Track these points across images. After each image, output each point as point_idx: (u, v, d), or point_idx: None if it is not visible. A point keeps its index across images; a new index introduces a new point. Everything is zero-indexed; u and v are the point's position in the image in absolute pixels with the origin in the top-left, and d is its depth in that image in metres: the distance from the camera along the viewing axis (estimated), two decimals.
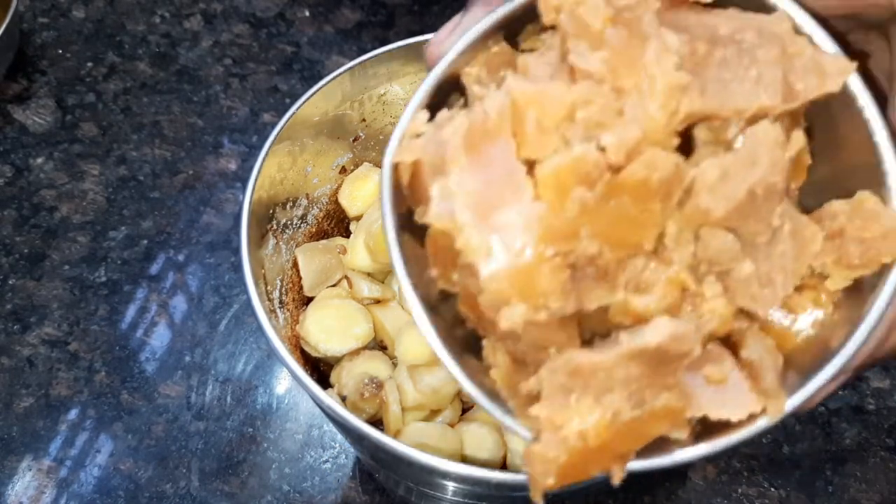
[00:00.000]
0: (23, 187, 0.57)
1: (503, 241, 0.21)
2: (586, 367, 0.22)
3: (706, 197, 0.21)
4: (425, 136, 0.23)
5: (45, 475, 0.47)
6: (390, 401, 0.37)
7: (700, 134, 0.23)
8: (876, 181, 0.23)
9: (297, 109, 0.39)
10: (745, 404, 0.23)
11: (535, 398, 0.23)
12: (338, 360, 0.40)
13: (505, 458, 0.38)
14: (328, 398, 0.32)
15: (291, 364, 0.33)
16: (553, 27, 0.23)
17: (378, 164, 0.45)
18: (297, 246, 0.42)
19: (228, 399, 0.49)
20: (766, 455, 0.48)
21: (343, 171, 0.45)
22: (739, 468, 0.48)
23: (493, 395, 0.24)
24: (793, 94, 0.22)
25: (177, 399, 0.49)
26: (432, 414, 0.39)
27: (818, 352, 0.24)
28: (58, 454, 0.47)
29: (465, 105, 0.25)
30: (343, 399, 0.38)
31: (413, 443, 0.34)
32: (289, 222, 0.42)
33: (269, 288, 0.38)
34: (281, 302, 0.40)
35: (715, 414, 0.23)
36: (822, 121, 0.23)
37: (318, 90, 0.40)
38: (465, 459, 0.37)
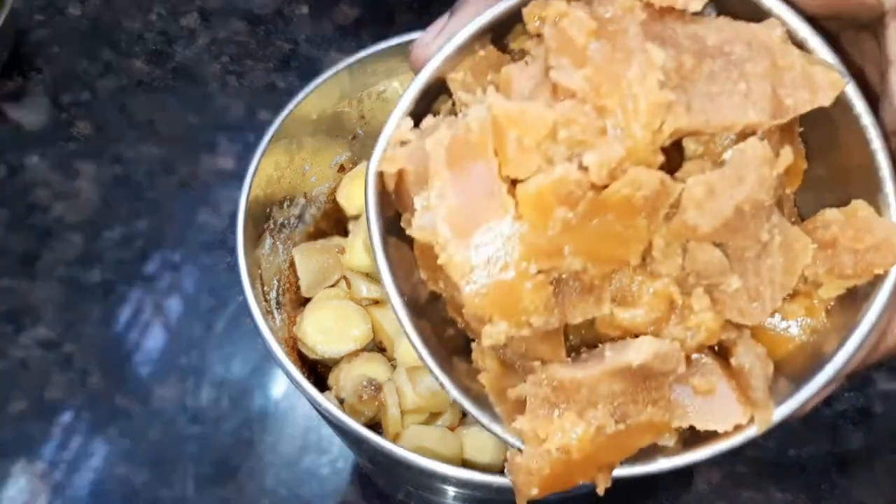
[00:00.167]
0: (17, 186, 0.57)
1: (484, 259, 0.21)
2: (569, 382, 0.22)
3: (693, 213, 0.21)
4: (410, 146, 0.23)
5: (39, 479, 0.46)
6: (389, 403, 0.37)
7: (689, 145, 0.23)
8: (872, 186, 0.23)
9: (294, 107, 0.39)
10: (732, 416, 0.23)
11: (522, 404, 0.23)
12: (336, 362, 0.40)
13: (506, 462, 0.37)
14: (326, 401, 0.32)
15: (288, 366, 0.32)
16: (539, 35, 0.22)
17: None
18: (294, 246, 0.42)
19: (224, 402, 0.49)
20: (771, 459, 0.48)
21: (341, 169, 0.44)
22: (744, 472, 0.47)
23: (482, 400, 0.24)
24: (782, 110, 0.22)
25: (172, 402, 0.49)
26: (432, 417, 0.39)
27: (810, 358, 0.24)
28: (52, 458, 0.47)
29: (453, 107, 0.25)
30: (341, 402, 0.38)
31: (412, 446, 0.34)
32: (286, 222, 0.41)
33: (265, 288, 0.38)
34: (278, 303, 0.39)
35: (702, 425, 0.23)
36: (820, 121, 0.23)
37: (315, 87, 0.39)
38: (465, 463, 0.37)
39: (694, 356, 0.23)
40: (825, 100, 0.22)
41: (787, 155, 0.22)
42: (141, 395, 0.49)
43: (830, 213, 0.23)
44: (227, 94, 0.62)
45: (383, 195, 0.25)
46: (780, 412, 0.23)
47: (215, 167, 0.58)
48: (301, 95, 0.39)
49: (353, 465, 0.47)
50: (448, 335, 0.25)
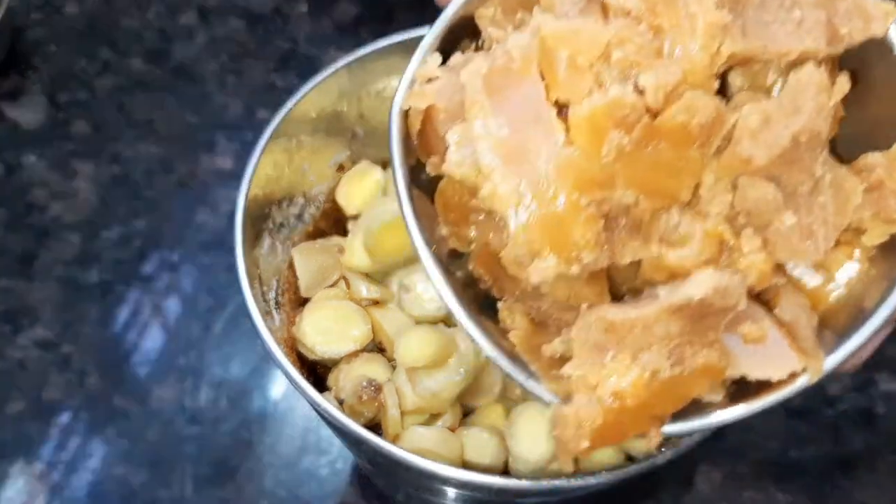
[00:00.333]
0: (14, 186, 0.57)
1: (534, 189, 0.20)
2: (622, 323, 0.21)
3: (748, 144, 0.20)
4: (439, 81, 0.22)
5: (37, 480, 0.46)
6: (389, 404, 0.37)
7: (735, 80, 0.22)
8: None
9: (293, 106, 0.39)
10: (786, 363, 0.22)
11: (559, 361, 0.22)
12: (335, 363, 0.40)
13: (506, 463, 0.37)
14: (325, 402, 0.31)
15: (287, 367, 0.32)
16: None
17: (377, 162, 0.44)
18: (293, 246, 0.42)
19: (223, 402, 0.49)
20: (772, 459, 0.47)
21: (341, 168, 0.44)
22: (746, 472, 0.47)
23: (514, 357, 0.23)
24: (837, 38, 0.21)
25: (170, 403, 0.49)
26: (432, 418, 0.38)
27: (852, 311, 0.23)
28: (50, 458, 0.47)
29: (478, 49, 0.24)
30: (340, 402, 0.38)
31: (412, 447, 0.34)
32: (285, 221, 0.41)
33: (264, 289, 0.38)
34: (277, 303, 0.39)
35: (755, 374, 0.22)
36: (853, 72, 0.22)
37: (314, 86, 0.39)
38: (465, 465, 0.37)
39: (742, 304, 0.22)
40: (879, 29, 0.21)
41: (843, 83, 0.21)
42: (139, 396, 0.49)
43: (873, 157, 0.22)
44: (226, 93, 0.62)
45: (405, 143, 0.24)
46: (830, 361, 0.22)
47: (214, 166, 0.58)
48: (300, 94, 0.39)
49: (352, 466, 0.47)
50: (469, 296, 0.24)
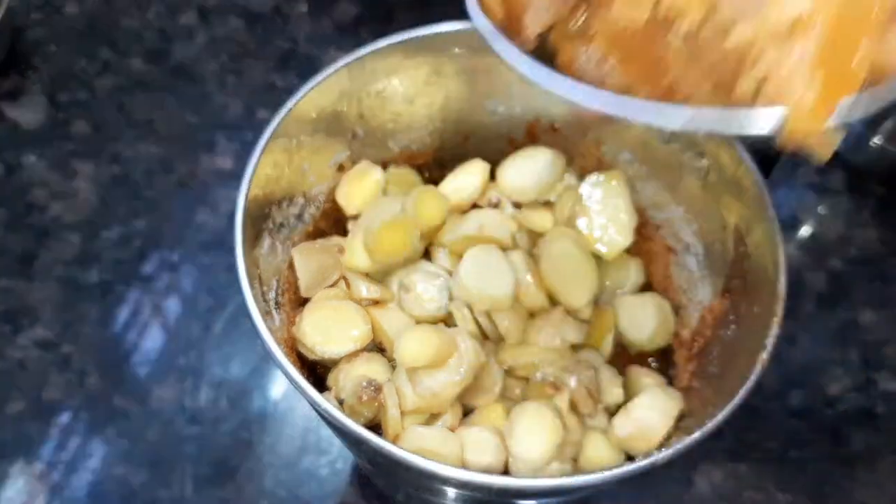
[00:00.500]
0: (14, 186, 0.57)
1: None
2: None
3: None
4: None
5: (38, 480, 0.46)
6: (389, 404, 0.37)
7: None
8: None
9: (293, 106, 0.39)
10: None
11: None
12: (335, 363, 0.39)
13: (506, 463, 0.37)
14: (325, 402, 0.31)
15: (287, 367, 0.32)
16: None
17: (377, 162, 0.44)
18: (293, 246, 0.42)
19: (223, 402, 0.49)
20: (773, 459, 0.47)
21: (341, 168, 0.44)
22: (746, 472, 0.47)
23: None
24: None
25: (170, 403, 0.49)
26: (432, 418, 0.38)
27: None
28: (50, 458, 0.47)
29: None
30: (340, 402, 0.38)
31: (412, 447, 0.34)
32: (285, 221, 0.41)
33: (264, 289, 0.38)
34: (277, 303, 0.39)
35: None
36: None
37: (314, 86, 0.39)
38: (465, 464, 0.37)
39: None
40: None
41: None
42: (139, 396, 0.49)
43: None
44: (226, 93, 0.62)
45: None
46: None
47: (214, 166, 0.58)
48: (300, 94, 0.39)
49: (352, 466, 0.47)
50: None
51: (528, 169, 0.44)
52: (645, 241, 0.45)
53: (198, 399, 0.49)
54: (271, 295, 0.39)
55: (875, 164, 0.57)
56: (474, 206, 0.45)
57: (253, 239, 0.37)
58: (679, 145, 0.41)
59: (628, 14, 0.22)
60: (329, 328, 0.39)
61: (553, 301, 0.42)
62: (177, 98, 0.62)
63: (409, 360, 0.36)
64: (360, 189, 0.43)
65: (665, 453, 0.30)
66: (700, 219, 0.42)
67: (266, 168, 0.38)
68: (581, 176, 0.44)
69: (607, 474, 0.30)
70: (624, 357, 0.43)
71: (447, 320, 0.40)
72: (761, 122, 0.21)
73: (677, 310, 0.43)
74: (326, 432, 0.48)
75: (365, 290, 0.41)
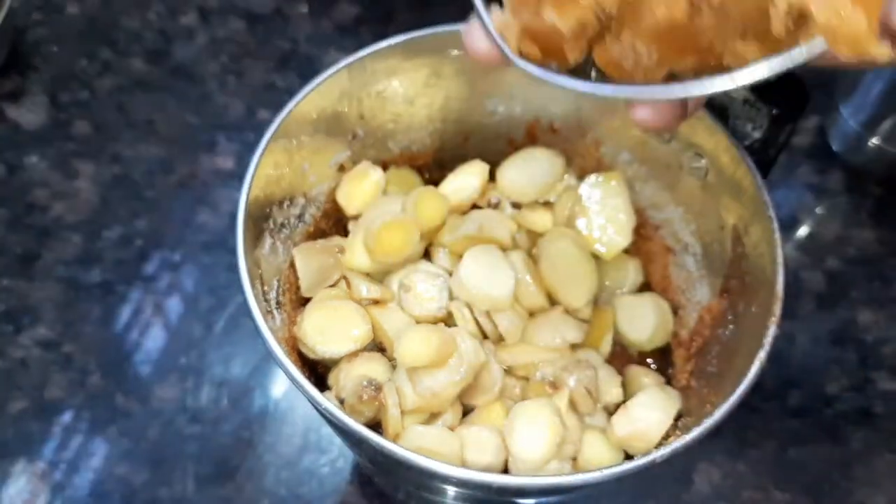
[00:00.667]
0: (16, 186, 0.57)
1: None
2: None
3: None
4: None
5: (39, 479, 0.46)
6: (389, 404, 0.37)
7: None
8: None
9: (293, 106, 0.39)
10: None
11: None
12: (336, 362, 0.40)
13: (506, 462, 0.37)
14: (326, 401, 0.31)
15: (288, 366, 0.32)
16: None
17: (377, 162, 0.45)
18: (294, 246, 0.42)
19: (224, 402, 0.49)
20: (771, 459, 0.47)
21: (341, 169, 0.44)
22: (745, 472, 0.47)
23: None
24: None
25: (172, 402, 0.49)
26: (432, 417, 0.38)
27: None
28: (52, 457, 0.47)
29: None
30: (341, 402, 0.38)
31: (412, 446, 0.34)
32: (286, 222, 0.41)
33: (265, 288, 0.38)
34: (278, 303, 0.39)
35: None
36: None
37: (315, 87, 0.39)
38: (465, 463, 0.37)
39: None
40: None
41: None
42: (141, 395, 0.49)
43: None
44: (227, 94, 0.62)
45: None
46: None
47: (214, 167, 0.58)
48: (300, 95, 0.39)
49: (353, 465, 0.47)
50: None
51: (528, 169, 0.44)
52: (644, 241, 0.45)
53: (199, 398, 0.49)
54: (272, 295, 0.39)
55: (873, 165, 0.58)
56: (474, 206, 0.45)
57: (254, 239, 0.38)
58: (678, 146, 0.41)
59: (668, 14, 0.22)
60: (330, 328, 0.39)
61: (552, 301, 0.42)
62: (177, 98, 0.62)
63: (409, 359, 0.36)
64: (361, 189, 0.43)
65: (664, 452, 0.30)
66: (699, 219, 0.42)
67: (267, 168, 0.38)
68: (580, 176, 0.45)
69: (606, 473, 0.30)
70: (623, 357, 0.43)
71: (447, 320, 0.41)
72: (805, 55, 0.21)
73: (676, 310, 0.43)
74: (327, 431, 0.48)
75: (365, 289, 0.41)
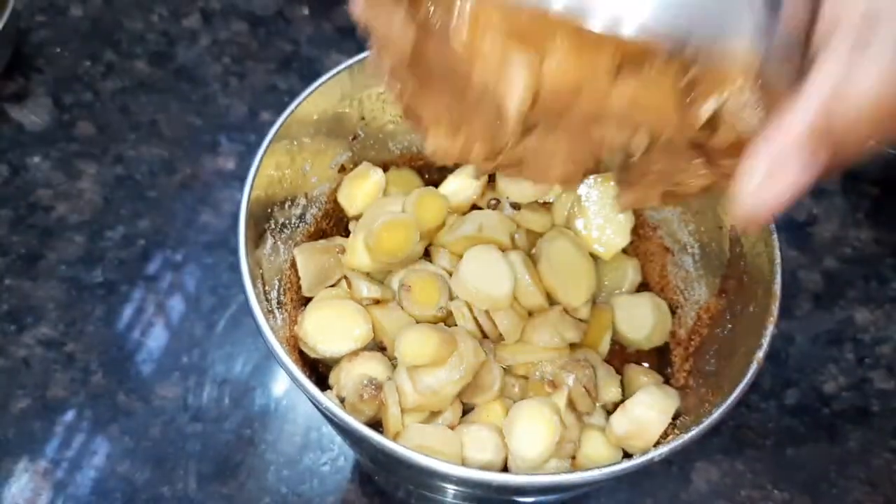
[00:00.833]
0: (19, 187, 0.57)
1: None
2: None
3: None
4: None
5: (42, 477, 0.46)
6: (389, 402, 0.37)
7: None
8: None
9: (295, 108, 0.39)
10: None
11: None
12: (336, 362, 0.40)
13: (506, 460, 0.37)
14: (327, 400, 0.32)
15: (289, 365, 0.32)
16: None
17: (378, 163, 0.45)
18: (295, 246, 0.42)
19: (226, 400, 0.49)
20: (769, 457, 0.48)
21: (342, 169, 0.44)
22: (743, 471, 0.47)
23: None
24: None
25: (174, 400, 0.49)
26: (432, 416, 0.39)
27: None
28: (54, 456, 0.47)
29: None
30: (342, 401, 0.38)
31: (413, 445, 0.34)
32: (287, 222, 0.41)
33: (267, 288, 0.38)
34: (279, 302, 0.39)
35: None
36: None
37: (316, 88, 0.40)
38: (465, 462, 0.37)
39: None
40: None
41: None
42: (143, 394, 0.49)
43: None
44: (229, 95, 0.62)
45: None
46: None
47: (216, 168, 0.58)
48: (302, 96, 0.39)
49: (353, 464, 0.47)
50: None
51: None
52: (642, 241, 0.45)
53: (201, 397, 0.49)
54: (273, 294, 0.39)
55: (869, 165, 0.58)
56: (474, 206, 0.45)
57: (255, 239, 0.38)
58: None
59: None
60: (330, 327, 0.39)
61: (551, 300, 0.42)
62: (180, 100, 0.62)
63: (409, 358, 0.37)
64: (362, 190, 0.44)
65: (662, 450, 0.31)
66: (697, 219, 0.42)
67: (268, 169, 0.38)
68: None
69: (605, 471, 0.30)
70: (621, 356, 0.43)
71: (447, 320, 0.41)
72: None
73: (674, 309, 0.44)
74: (328, 430, 0.48)
75: (366, 289, 0.41)
